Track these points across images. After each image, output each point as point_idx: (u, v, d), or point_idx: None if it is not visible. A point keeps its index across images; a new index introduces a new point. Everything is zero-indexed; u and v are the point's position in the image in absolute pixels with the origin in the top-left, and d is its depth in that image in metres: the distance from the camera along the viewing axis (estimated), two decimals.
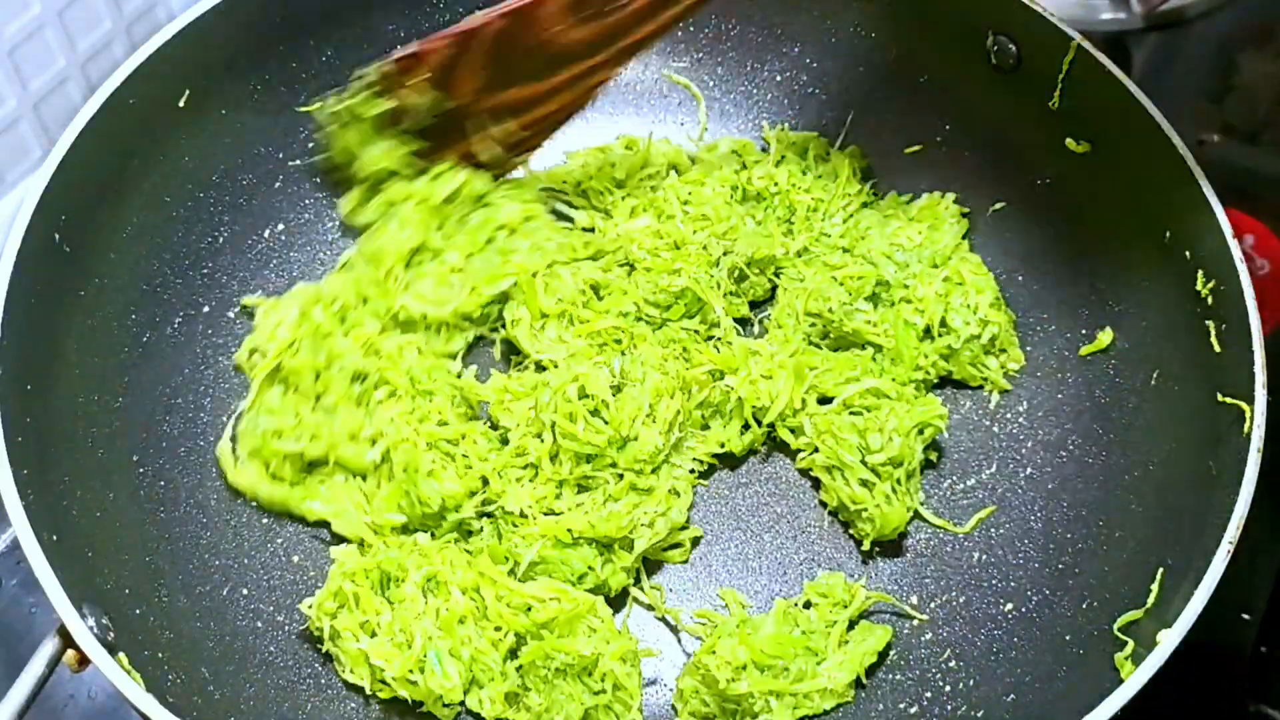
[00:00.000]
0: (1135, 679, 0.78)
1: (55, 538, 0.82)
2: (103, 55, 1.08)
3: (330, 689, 0.95)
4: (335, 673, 0.95)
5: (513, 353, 1.08)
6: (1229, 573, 0.80)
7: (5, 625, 1.04)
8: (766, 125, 1.19)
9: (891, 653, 0.97)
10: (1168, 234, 0.97)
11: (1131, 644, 0.84)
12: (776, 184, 1.12)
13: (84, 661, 0.78)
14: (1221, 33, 1.39)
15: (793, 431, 1.03)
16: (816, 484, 1.03)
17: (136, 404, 1.00)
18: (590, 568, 0.95)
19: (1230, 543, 0.80)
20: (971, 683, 0.95)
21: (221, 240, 1.09)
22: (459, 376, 1.05)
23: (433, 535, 0.97)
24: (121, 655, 0.79)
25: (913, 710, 0.94)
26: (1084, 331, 1.06)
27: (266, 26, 1.07)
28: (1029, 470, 1.04)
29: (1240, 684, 1.03)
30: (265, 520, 1.01)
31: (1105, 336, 1.04)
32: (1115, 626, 0.87)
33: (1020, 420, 1.06)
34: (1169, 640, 0.77)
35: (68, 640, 0.77)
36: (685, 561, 1.01)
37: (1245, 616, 1.04)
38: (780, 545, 1.02)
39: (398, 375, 1.02)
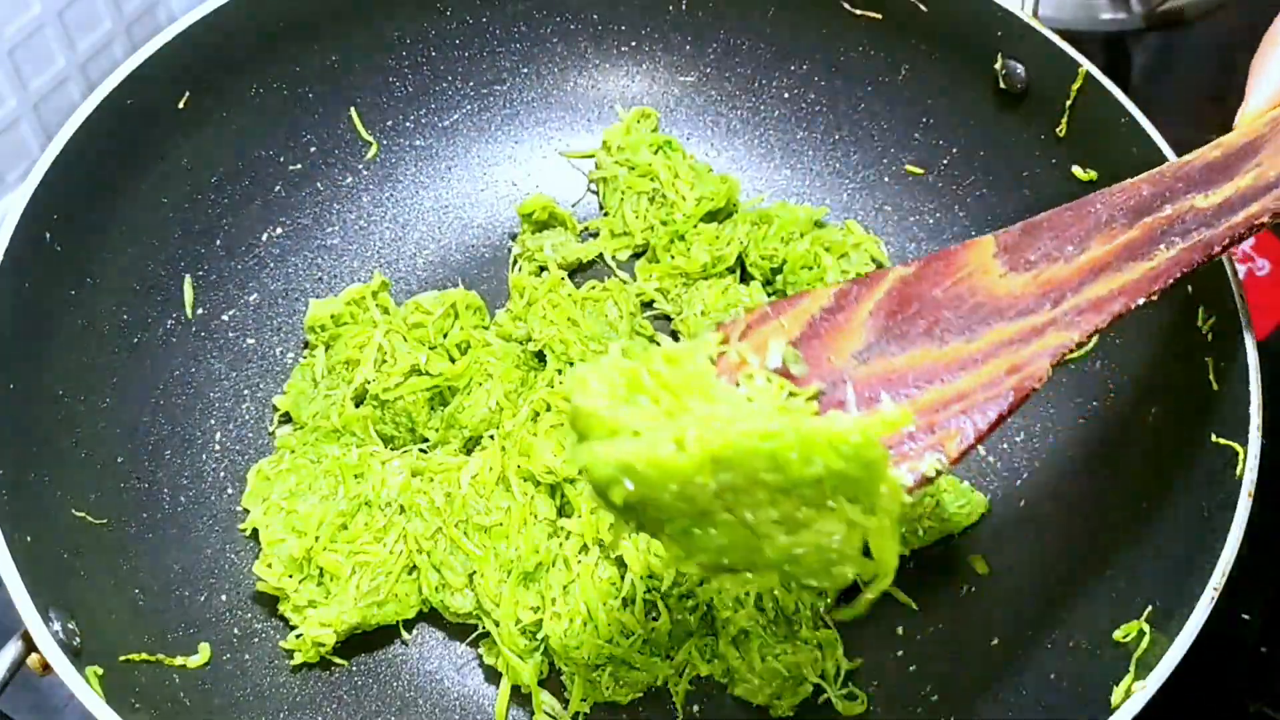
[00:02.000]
0: None
1: (29, 538, 0.82)
2: (103, 55, 1.08)
3: (305, 701, 0.95)
4: (312, 684, 0.96)
5: None
6: (1230, 573, 0.79)
7: None
8: None
9: (872, 684, 0.96)
10: None
11: (1115, 687, 0.83)
12: None
13: (49, 666, 0.77)
14: (1221, 33, 1.38)
15: None
16: None
17: (123, 405, 0.99)
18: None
19: (1215, 589, 0.78)
20: (953, 718, 0.93)
21: (217, 243, 1.09)
22: None
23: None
24: (93, 666, 0.79)
25: None
26: (1084, 364, 1.04)
27: (269, 29, 1.07)
28: (1023, 504, 1.02)
29: (1241, 684, 1.03)
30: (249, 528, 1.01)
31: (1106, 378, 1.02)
32: (1100, 668, 0.85)
33: (1016, 452, 1.05)
34: (1141, 694, 0.76)
35: (32, 644, 0.77)
36: None
37: (1245, 616, 1.04)
38: None
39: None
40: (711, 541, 0.63)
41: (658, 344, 1.10)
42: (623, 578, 0.94)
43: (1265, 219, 0.76)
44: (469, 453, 1.02)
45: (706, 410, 0.64)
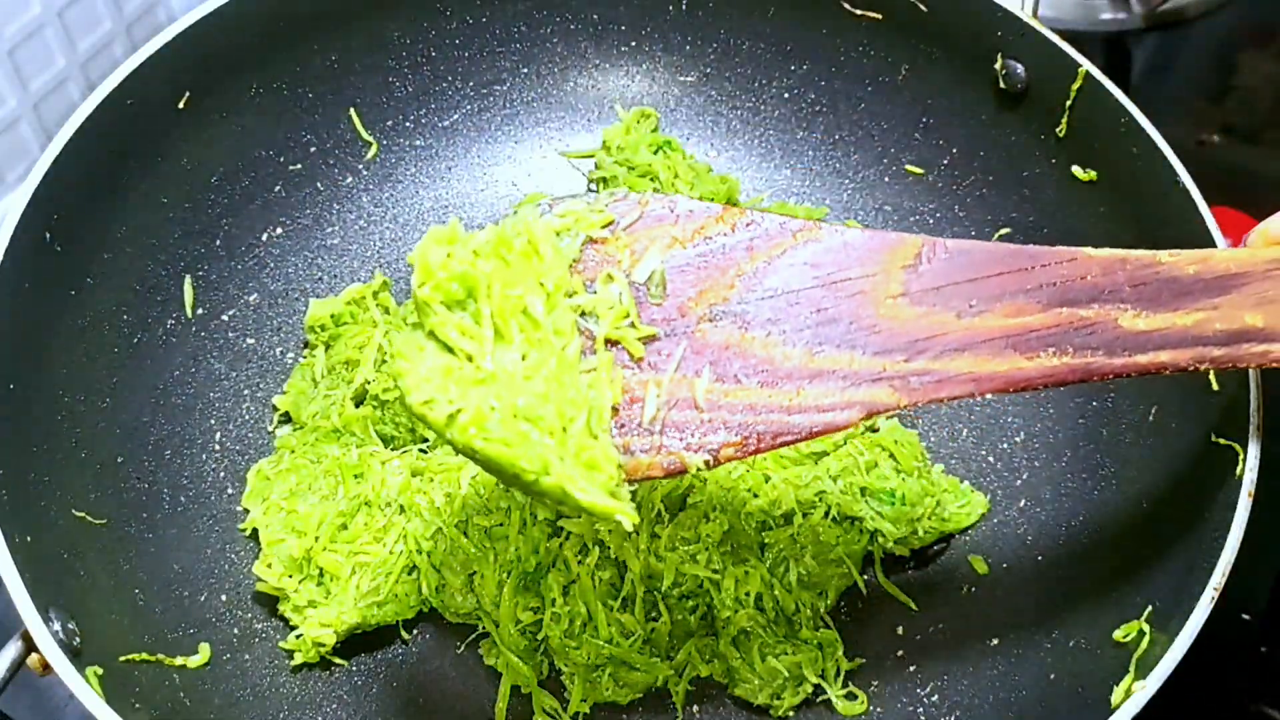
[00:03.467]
0: None
1: (29, 538, 0.82)
2: (103, 55, 1.08)
3: (305, 701, 0.95)
4: (312, 684, 0.95)
5: None
6: (1230, 573, 0.79)
7: None
8: None
9: (872, 684, 0.96)
10: None
11: (1115, 687, 0.83)
12: None
13: (49, 666, 0.77)
14: (1221, 33, 1.39)
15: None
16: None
17: (123, 405, 0.99)
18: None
19: (1215, 589, 0.78)
20: (953, 718, 0.93)
21: (217, 243, 1.08)
22: None
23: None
24: (93, 666, 0.79)
25: None
26: None
27: (269, 29, 1.07)
28: (1022, 503, 1.02)
29: (1241, 684, 1.02)
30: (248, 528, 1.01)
31: None
32: (1100, 668, 0.85)
33: (1017, 453, 1.05)
34: (1141, 694, 0.75)
35: (32, 644, 0.77)
36: None
37: (1245, 617, 1.04)
38: None
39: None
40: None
41: None
42: (622, 578, 0.94)
43: (1166, 371, 0.72)
44: None
45: (513, 363, 0.67)
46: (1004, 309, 0.73)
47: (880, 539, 0.98)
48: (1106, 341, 0.72)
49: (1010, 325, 0.72)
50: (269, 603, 0.97)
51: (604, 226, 0.73)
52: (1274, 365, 0.73)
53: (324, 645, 0.94)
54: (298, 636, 0.94)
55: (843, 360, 0.72)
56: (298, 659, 0.95)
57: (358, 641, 0.97)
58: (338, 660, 0.96)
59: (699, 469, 0.71)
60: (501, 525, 0.95)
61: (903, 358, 0.72)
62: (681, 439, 0.71)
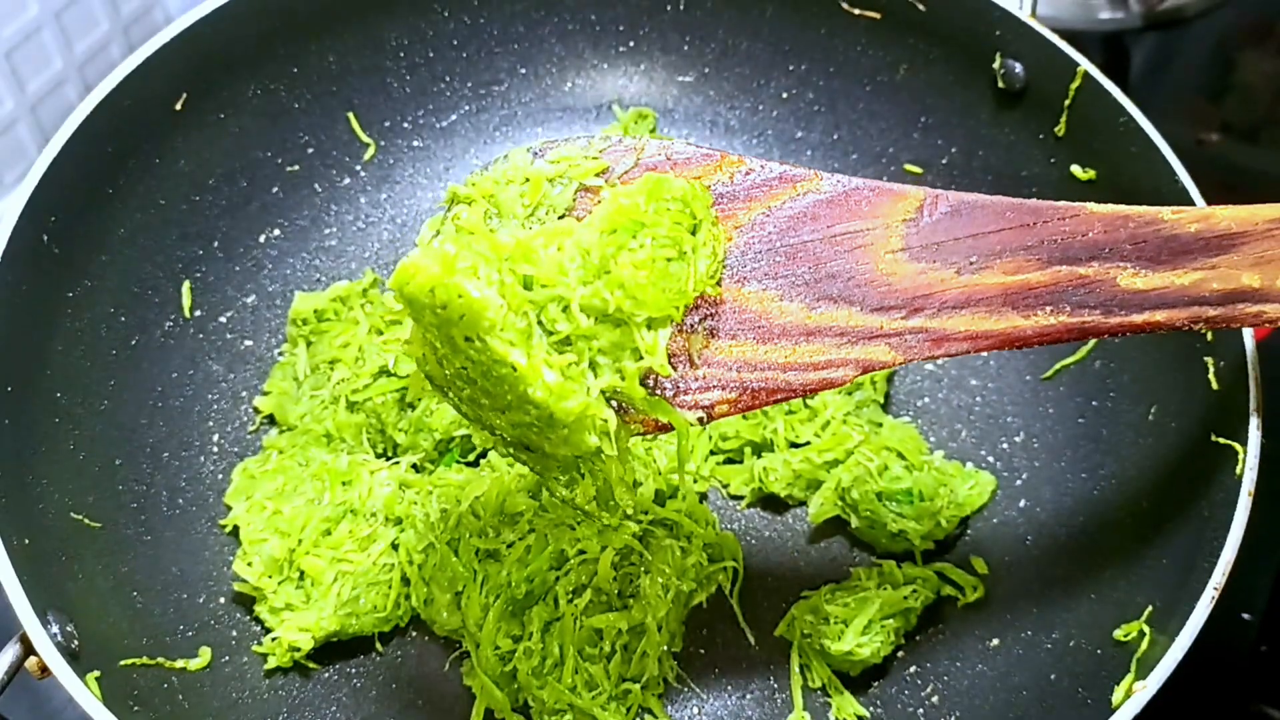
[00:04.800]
0: None
1: (27, 541, 0.82)
2: (100, 57, 1.08)
3: (304, 703, 0.94)
4: (311, 686, 0.95)
5: None
6: (1230, 573, 0.78)
7: None
8: None
9: (872, 686, 0.96)
10: None
11: (1115, 687, 0.83)
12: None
13: (47, 669, 0.77)
14: (1220, 31, 1.39)
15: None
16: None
17: (121, 407, 0.99)
18: None
19: (1215, 589, 0.78)
20: (953, 718, 0.93)
21: (215, 244, 1.08)
22: None
23: None
24: (92, 670, 0.79)
25: None
26: (1084, 363, 1.04)
27: (266, 30, 1.07)
28: (1022, 503, 1.02)
29: (1241, 683, 1.02)
30: None
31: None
32: (1100, 668, 0.85)
33: (1017, 453, 1.05)
34: (1142, 694, 0.75)
35: (30, 647, 0.77)
36: None
37: (1245, 616, 1.04)
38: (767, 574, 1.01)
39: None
40: (458, 393, 0.70)
41: None
42: (600, 635, 0.93)
43: (1161, 330, 0.72)
44: (441, 454, 1.02)
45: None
46: (1004, 266, 0.72)
47: (906, 540, 0.98)
48: (1104, 300, 0.72)
49: (1009, 283, 0.72)
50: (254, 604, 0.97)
51: (598, 174, 0.71)
52: (1267, 325, 0.73)
53: (299, 650, 0.93)
54: (273, 640, 0.94)
55: (840, 317, 0.72)
56: (271, 663, 0.94)
57: (358, 643, 0.97)
58: (337, 662, 0.96)
59: (691, 426, 0.70)
60: (497, 549, 0.94)
61: (900, 315, 0.72)
62: (674, 395, 0.70)
